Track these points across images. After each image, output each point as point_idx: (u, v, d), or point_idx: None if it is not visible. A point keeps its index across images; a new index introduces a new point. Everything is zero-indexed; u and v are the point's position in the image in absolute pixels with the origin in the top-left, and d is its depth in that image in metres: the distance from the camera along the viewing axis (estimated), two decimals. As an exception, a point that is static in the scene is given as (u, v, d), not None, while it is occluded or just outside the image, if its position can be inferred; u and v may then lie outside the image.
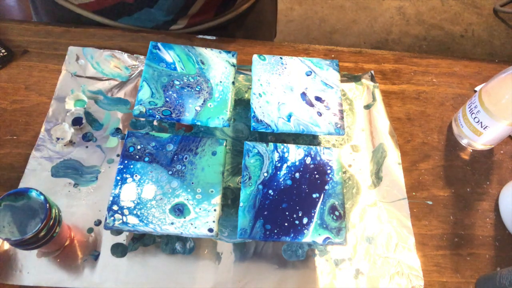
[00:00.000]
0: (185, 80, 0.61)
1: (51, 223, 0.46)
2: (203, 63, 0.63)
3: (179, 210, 0.52)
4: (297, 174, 0.56)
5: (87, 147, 0.60)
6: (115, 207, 0.51)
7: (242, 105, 0.66)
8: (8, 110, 0.62)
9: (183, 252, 0.54)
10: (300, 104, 0.60)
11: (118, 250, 0.53)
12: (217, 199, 0.53)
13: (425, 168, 0.65)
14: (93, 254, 0.53)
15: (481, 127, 0.62)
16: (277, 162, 0.56)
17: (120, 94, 0.65)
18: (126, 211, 0.51)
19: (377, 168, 0.63)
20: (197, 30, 0.74)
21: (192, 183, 0.54)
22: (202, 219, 0.51)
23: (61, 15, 0.72)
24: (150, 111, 0.57)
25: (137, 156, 0.55)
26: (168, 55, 0.62)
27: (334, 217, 0.53)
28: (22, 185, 0.56)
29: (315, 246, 0.56)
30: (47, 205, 0.46)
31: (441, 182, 0.64)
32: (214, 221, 0.51)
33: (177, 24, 0.71)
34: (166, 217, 0.51)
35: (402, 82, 0.73)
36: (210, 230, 0.51)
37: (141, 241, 0.54)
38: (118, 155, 0.60)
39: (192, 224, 0.51)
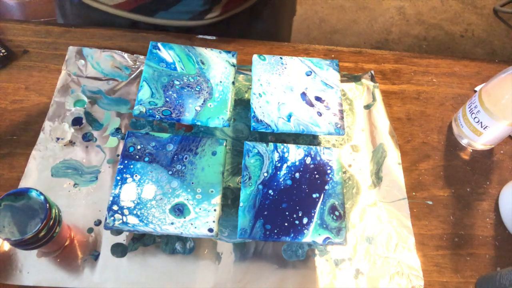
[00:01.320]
0: (185, 80, 0.61)
1: (51, 223, 0.46)
2: (203, 63, 0.63)
3: (179, 210, 0.52)
4: (297, 174, 0.56)
5: (87, 147, 0.60)
6: (115, 207, 0.51)
7: (242, 105, 0.66)
8: (8, 110, 0.62)
9: (183, 252, 0.54)
10: (300, 104, 0.60)
11: (118, 250, 0.53)
12: (217, 199, 0.53)
13: (425, 168, 0.65)
14: (93, 254, 0.53)
15: (481, 127, 0.62)
16: (277, 162, 0.56)
17: (120, 94, 0.65)
18: (126, 211, 0.51)
19: (377, 168, 0.63)
20: (230, 15, 0.74)
21: (192, 183, 0.54)
22: (202, 219, 0.51)
23: (93, 17, 0.72)
24: (150, 111, 0.57)
25: (137, 156, 0.55)
26: (168, 55, 0.62)
27: (334, 217, 0.53)
28: (22, 185, 0.56)
29: (315, 246, 0.56)
30: (47, 205, 0.46)
31: (441, 182, 0.64)
32: (214, 221, 0.51)
33: (212, 12, 0.71)
34: (166, 217, 0.51)
35: (402, 82, 0.73)
36: (210, 230, 0.51)
37: (141, 241, 0.54)
38: (118, 155, 0.60)
39: (192, 224, 0.51)
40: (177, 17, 0.71)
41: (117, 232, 0.54)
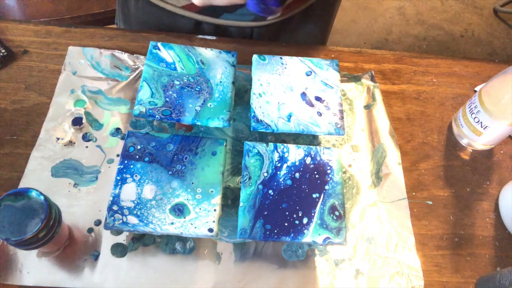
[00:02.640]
0: (185, 80, 0.61)
1: (51, 223, 0.46)
2: (203, 63, 0.63)
3: (179, 210, 0.52)
4: (297, 174, 0.56)
5: (87, 147, 0.60)
6: (115, 207, 0.51)
7: (242, 105, 0.66)
8: (8, 110, 0.62)
9: (183, 252, 0.54)
10: (300, 104, 0.60)
11: (118, 250, 0.53)
12: (217, 199, 0.53)
13: (425, 168, 0.65)
14: (93, 254, 0.53)
15: (481, 127, 0.62)
16: (277, 162, 0.56)
17: (120, 94, 0.65)
18: (126, 211, 0.51)
19: (377, 168, 0.63)
20: (291, 15, 0.75)
21: (192, 183, 0.54)
22: (202, 219, 0.51)
23: (157, 16, 0.74)
24: (150, 111, 0.57)
25: (137, 156, 0.55)
26: (168, 55, 0.62)
27: (334, 217, 0.53)
28: (22, 185, 0.56)
29: (315, 246, 0.56)
30: (47, 205, 0.46)
31: (441, 182, 0.64)
32: (214, 221, 0.51)
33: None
34: (166, 217, 0.51)
35: (402, 82, 0.73)
36: (210, 230, 0.51)
37: (141, 241, 0.54)
38: (118, 155, 0.60)
39: (192, 224, 0.51)
40: (240, 18, 0.72)
41: (117, 232, 0.54)
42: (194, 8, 0.70)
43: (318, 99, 0.61)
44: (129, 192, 0.52)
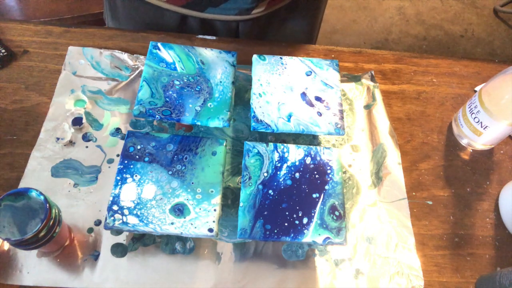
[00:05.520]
0: (185, 80, 0.61)
1: (51, 223, 0.46)
2: (203, 63, 0.63)
3: (179, 210, 0.52)
4: (297, 174, 0.56)
5: (87, 147, 0.60)
6: (115, 207, 0.51)
7: (242, 105, 0.66)
8: (8, 110, 0.62)
9: (183, 252, 0.54)
10: (300, 104, 0.60)
11: (118, 250, 0.53)
12: (217, 199, 0.53)
13: (425, 168, 0.65)
14: (93, 254, 0.53)
15: (481, 127, 0.62)
16: (277, 162, 0.56)
17: (120, 94, 0.65)
18: (126, 211, 0.51)
19: (377, 168, 0.63)
20: (275, 9, 0.75)
21: (192, 183, 0.54)
22: (202, 219, 0.51)
23: (143, 10, 0.74)
24: (150, 111, 0.57)
25: (137, 156, 0.55)
26: (168, 55, 0.62)
27: (334, 217, 0.53)
28: (22, 185, 0.56)
29: (315, 246, 0.56)
30: (47, 205, 0.46)
31: (441, 182, 0.64)
32: (214, 221, 0.51)
33: (258, 7, 0.72)
34: (166, 217, 0.51)
35: (402, 82, 0.73)
36: (210, 230, 0.51)
37: (141, 241, 0.54)
38: (118, 155, 0.60)
39: (192, 224, 0.51)
40: (224, 12, 0.72)
41: (117, 232, 0.54)
42: (179, 2, 0.70)
43: (318, 99, 0.61)
44: (129, 192, 0.52)
